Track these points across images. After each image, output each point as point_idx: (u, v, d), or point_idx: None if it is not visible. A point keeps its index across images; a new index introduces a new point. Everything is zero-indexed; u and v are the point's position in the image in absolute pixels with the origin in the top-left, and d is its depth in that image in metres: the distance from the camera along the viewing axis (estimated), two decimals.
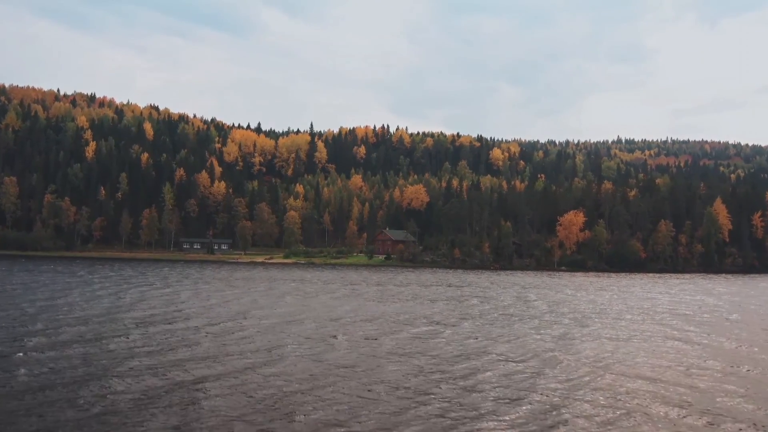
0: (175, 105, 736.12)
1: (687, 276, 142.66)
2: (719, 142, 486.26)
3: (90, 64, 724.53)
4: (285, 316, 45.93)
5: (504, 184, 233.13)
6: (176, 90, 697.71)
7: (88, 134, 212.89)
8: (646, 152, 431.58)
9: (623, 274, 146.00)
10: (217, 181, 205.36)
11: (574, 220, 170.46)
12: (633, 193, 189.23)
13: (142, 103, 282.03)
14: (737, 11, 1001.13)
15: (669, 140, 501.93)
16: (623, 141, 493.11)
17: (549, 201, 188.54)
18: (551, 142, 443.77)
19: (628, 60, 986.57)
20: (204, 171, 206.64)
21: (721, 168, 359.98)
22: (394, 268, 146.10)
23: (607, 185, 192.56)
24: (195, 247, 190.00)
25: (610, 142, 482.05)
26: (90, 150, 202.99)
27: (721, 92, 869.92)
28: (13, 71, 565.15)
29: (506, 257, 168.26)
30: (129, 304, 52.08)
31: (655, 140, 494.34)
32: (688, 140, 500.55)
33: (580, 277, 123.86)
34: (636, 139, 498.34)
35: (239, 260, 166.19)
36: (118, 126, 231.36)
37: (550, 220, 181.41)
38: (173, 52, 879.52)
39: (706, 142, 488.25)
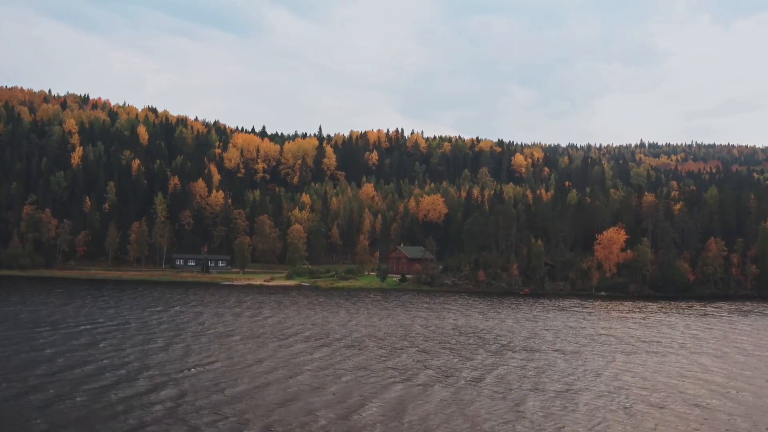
0: (182, 108, 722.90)
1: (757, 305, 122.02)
2: (747, 147, 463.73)
3: (94, 66, 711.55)
4: None
5: (529, 193, 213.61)
6: (182, 92, 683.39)
7: (75, 138, 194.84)
8: (672, 157, 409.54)
9: (681, 303, 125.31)
10: (215, 191, 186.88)
11: (614, 237, 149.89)
12: (678, 206, 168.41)
13: (142, 105, 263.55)
14: (750, 11, 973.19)
15: (693, 144, 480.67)
16: (646, 145, 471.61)
17: (584, 215, 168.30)
18: (572, 146, 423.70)
19: (640, 62, 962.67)
20: (201, 179, 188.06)
21: (755, 174, 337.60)
22: (412, 296, 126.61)
23: (649, 197, 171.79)
24: (189, 264, 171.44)
25: (633, 146, 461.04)
26: (76, 156, 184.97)
27: (734, 94, 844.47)
28: (10, 73, 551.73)
29: (537, 280, 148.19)
30: None
31: (679, 144, 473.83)
32: (714, 144, 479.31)
33: (648, 312, 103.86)
34: (659, 143, 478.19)
35: (235, 282, 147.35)
36: (110, 129, 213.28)
37: (586, 236, 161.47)
38: (180, 53, 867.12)
39: (734, 146, 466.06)
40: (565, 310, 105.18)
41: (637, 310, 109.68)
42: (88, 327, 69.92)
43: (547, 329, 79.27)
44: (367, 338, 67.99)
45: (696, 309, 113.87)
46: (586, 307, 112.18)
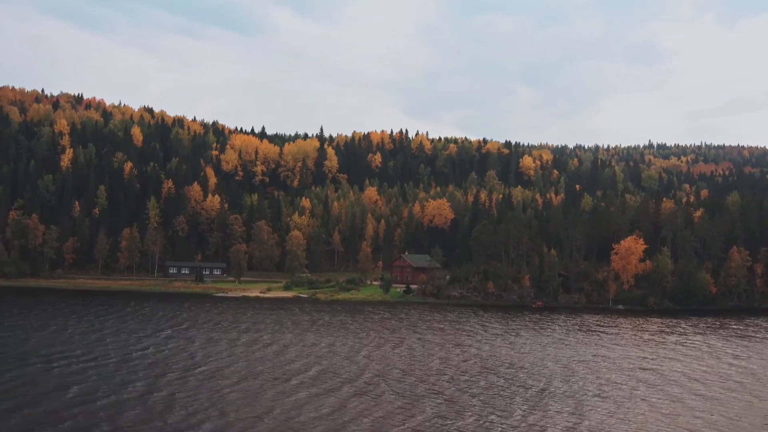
0: (182, 107, 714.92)
1: None
2: (758, 147, 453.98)
3: (95, 65, 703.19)
4: None
5: (538, 197, 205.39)
6: (183, 92, 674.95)
7: (66, 140, 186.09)
8: (683, 158, 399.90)
9: (709, 318, 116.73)
10: (210, 195, 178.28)
11: (632, 247, 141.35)
12: (698, 213, 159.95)
13: (141, 105, 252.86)
14: (756, 11, 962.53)
15: (703, 145, 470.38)
16: (655, 146, 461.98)
17: (599, 222, 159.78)
18: (580, 147, 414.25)
19: (645, 61, 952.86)
20: (196, 183, 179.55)
21: None
22: (420, 311, 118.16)
23: (668, 203, 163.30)
24: (183, 272, 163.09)
25: (641, 147, 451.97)
26: (66, 158, 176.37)
27: (739, 94, 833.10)
28: (12, 73, 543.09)
29: (551, 293, 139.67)
30: None
31: (689, 145, 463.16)
32: (724, 145, 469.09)
33: (682, 334, 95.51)
34: (668, 144, 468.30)
35: (229, 293, 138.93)
36: (103, 131, 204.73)
37: (601, 245, 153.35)
38: (182, 51, 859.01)
39: (744, 147, 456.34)
40: (592, 332, 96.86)
41: (668, 330, 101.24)
42: (62, 363, 61.48)
43: (588, 361, 70.97)
44: (380, 378, 59.77)
45: (731, 328, 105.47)
46: (610, 326, 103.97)
